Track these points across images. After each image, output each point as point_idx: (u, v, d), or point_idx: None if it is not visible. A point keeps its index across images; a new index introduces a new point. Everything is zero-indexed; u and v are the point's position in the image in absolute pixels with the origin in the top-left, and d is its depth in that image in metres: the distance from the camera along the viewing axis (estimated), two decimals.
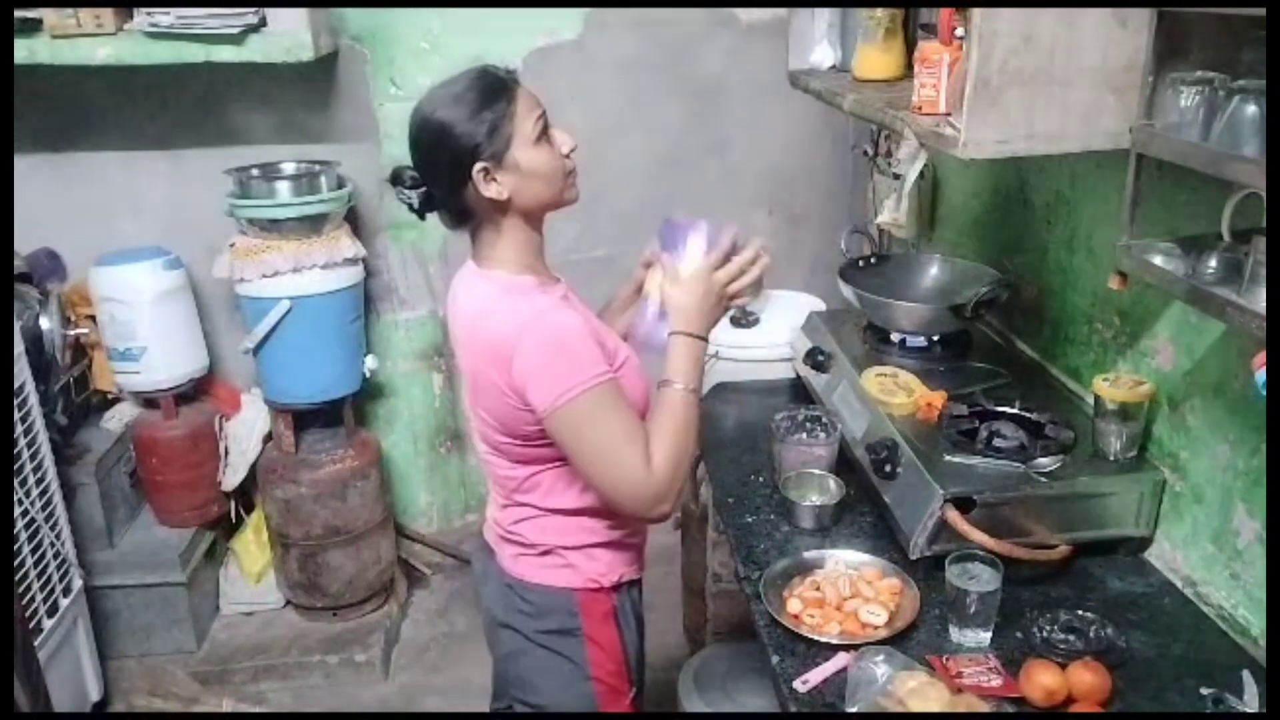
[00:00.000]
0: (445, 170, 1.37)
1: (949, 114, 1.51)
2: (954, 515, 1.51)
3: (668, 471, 1.36)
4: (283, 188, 2.63)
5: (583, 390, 1.32)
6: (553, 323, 1.35)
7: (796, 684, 1.37)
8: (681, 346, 1.43)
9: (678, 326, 1.44)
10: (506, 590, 1.55)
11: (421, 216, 1.47)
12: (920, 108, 1.59)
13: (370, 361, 2.89)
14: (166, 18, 2.42)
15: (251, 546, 2.96)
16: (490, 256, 1.45)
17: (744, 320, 2.45)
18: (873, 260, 2.32)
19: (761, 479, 1.90)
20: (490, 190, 1.37)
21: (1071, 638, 1.41)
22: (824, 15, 2.18)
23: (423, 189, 1.41)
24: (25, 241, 2.63)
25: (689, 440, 1.41)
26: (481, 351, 1.40)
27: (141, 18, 2.44)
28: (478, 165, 1.35)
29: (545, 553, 1.51)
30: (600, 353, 1.36)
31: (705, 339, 1.46)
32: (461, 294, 1.49)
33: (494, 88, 1.36)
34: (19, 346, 2.28)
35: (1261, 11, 1.03)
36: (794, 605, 1.50)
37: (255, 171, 2.70)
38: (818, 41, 2.20)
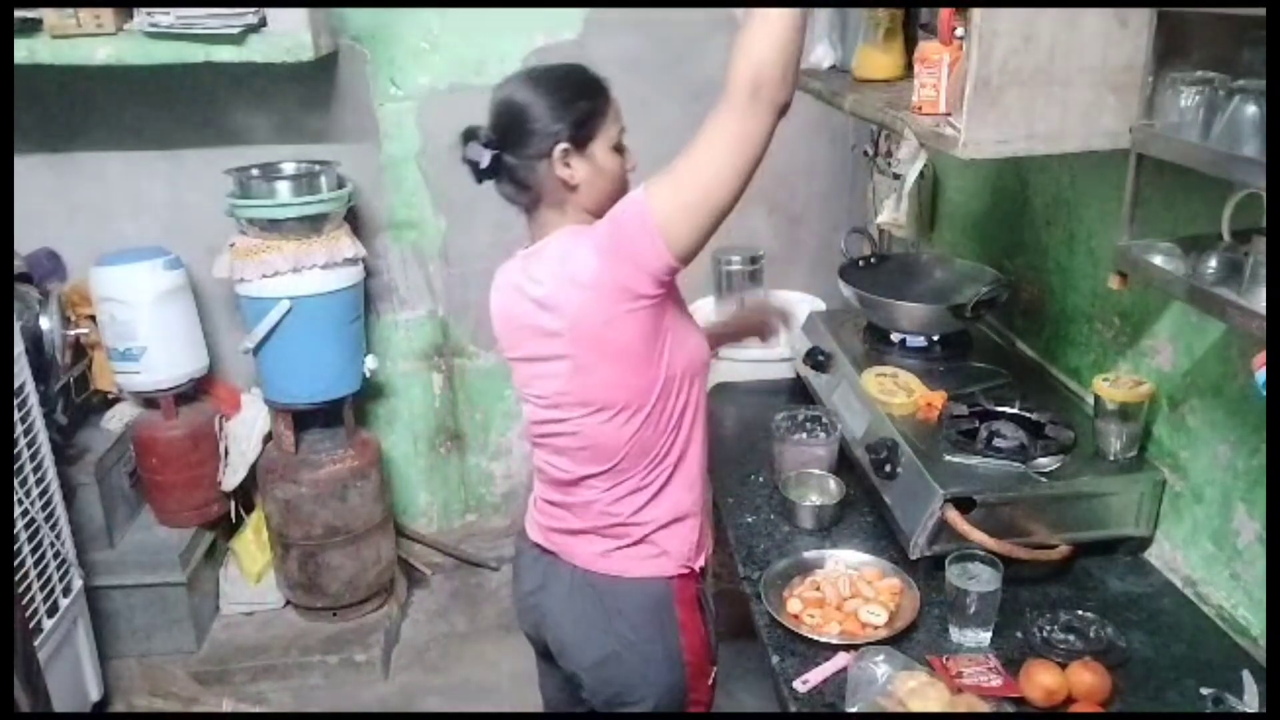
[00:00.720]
0: (530, 139, 1.40)
1: (949, 114, 1.51)
2: (954, 515, 1.51)
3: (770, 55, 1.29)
4: (283, 188, 2.62)
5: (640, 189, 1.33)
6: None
7: (796, 684, 1.37)
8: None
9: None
10: (591, 591, 1.51)
11: (479, 180, 1.47)
12: (920, 108, 1.59)
13: (370, 361, 2.89)
14: (166, 18, 2.42)
15: (251, 546, 2.96)
16: (555, 227, 1.46)
17: None
18: (873, 260, 2.32)
19: (761, 479, 1.90)
20: (564, 172, 1.41)
21: (1071, 638, 1.42)
22: (824, 15, 2.18)
23: (496, 152, 1.43)
24: (25, 241, 2.63)
25: (794, 37, 1.30)
26: (581, 285, 1.35)
27: (141, 18, 2.44)
28: (561, 145, 1.39)
29: (638, 542, 1.48)
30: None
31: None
32: (529, 277, 1.44)
33: (595, 85, 1.43)
34: (19, 346, 2.28)
35: (1261, 11, 1.03)
36: (794, 605, 1.50)
37: (255, 171, 2.70)
38: (818, 41, 2.19)
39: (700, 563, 1.55)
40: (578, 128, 1.40)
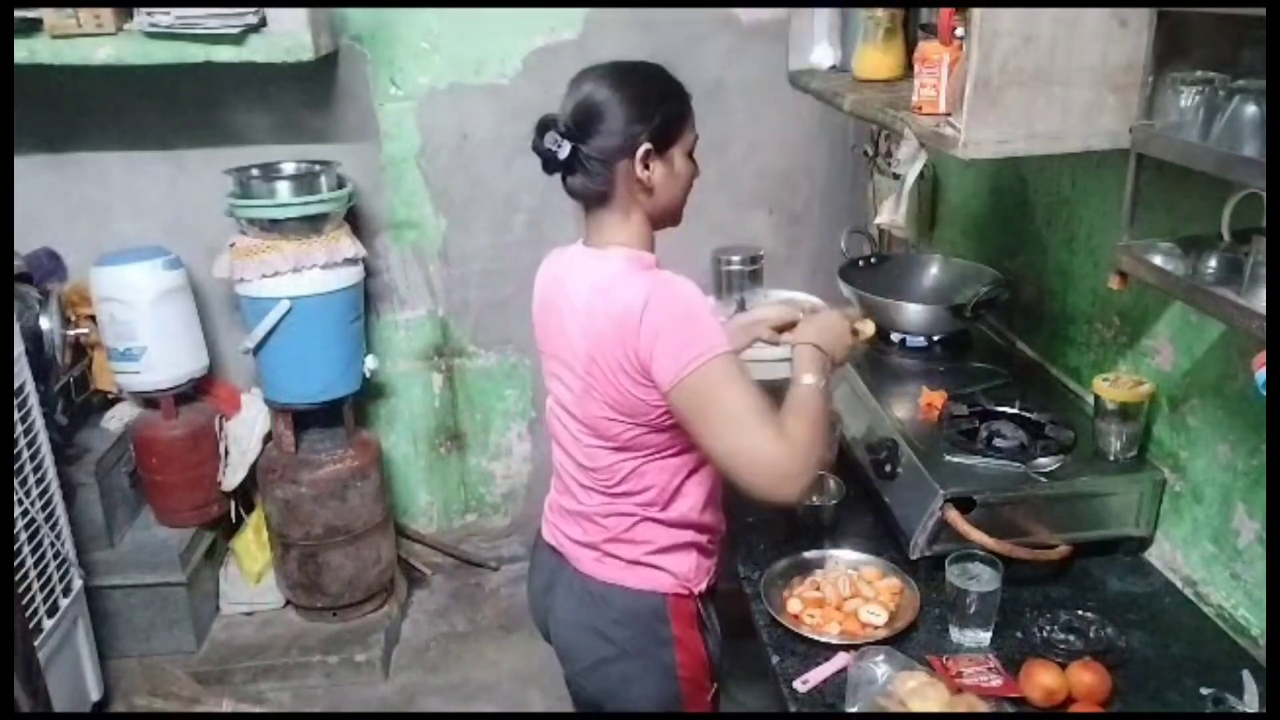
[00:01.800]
0: (613, 135, 1.37)
1: (949, 114, 1.52)
2: (954, 515, 1.51)
3: (801, 450, 1.30)
4: (283, 188, 2.62)
5: (712, 357, 1.29)
6: (681, 291, 1.34)
7: (796, 684, 1.37)
8: (808, 353, 1.42)
9: (806, 338, 1.45)
10: (589, 597, 1.50)
11: (550, 171, 1.43)
12: (920, 108, 1.59)
13: (370, 361, 2.89)
14: (166, 18, 2.42)
15: (251, 546, 2.96)
16: (612, 240, 1.44)
17: None
18: (873, 260, 2.32)
19: None
20: (642, 174, 1.39)
21: (1071, 638, 1.42)
22: (824, 15, 2.18)
23: (574, 144, 1.38)
24: (25, 241, 2.63)
25: (821, 430, 1.37)
26: (604, 328, 1.35)
27: (141, 18, 2.44)
28: (644, 145, 1.38)
29: (633, 562, 1.47)
30: (717, 325, 1.36)
31: (829, 358, 1.44)
32: (572, 277, 1.46)
33: (680, 89, 1.44)
34: (19, 346, 2.28)
35: (1261, 11, 1.03)
36: (794, 605, 1.51)
37: (255, 171, 2.70)
38: (818, 41, 2.20)
39: (702, 586, 1.51)
40: (662, 130, 1.39)
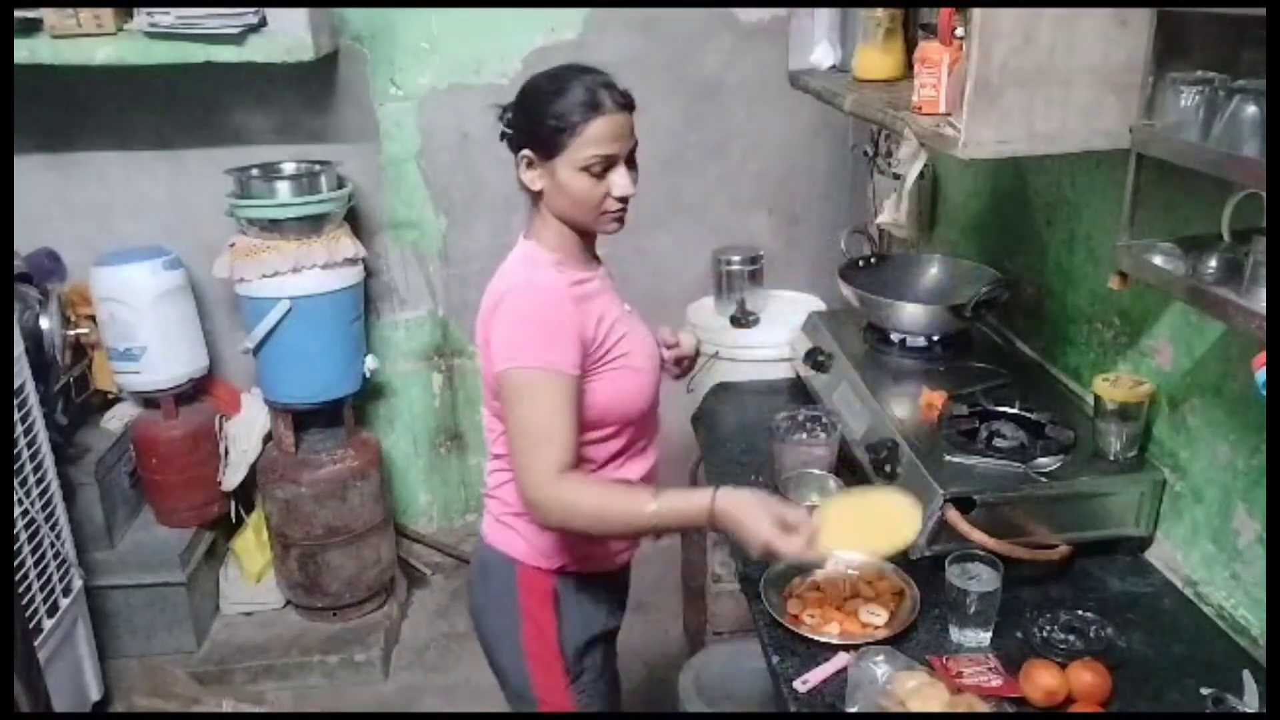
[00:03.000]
0: (513, 134, 1.48)
1: (949, 114, 1.51)
2: (954, 515, 1.51)
3: (566, 504, 1.38)
4: (283, 188, 2.63)
5: (530, 367, 1.38)
6: (539, 297, 1.42)
7: (796, 684, 1.37)
8: (693, 510, 1.38)
9: (735, 509, 1.34)
10: (477, 549, 1.65)
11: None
12: (920, 108, 1.59)
13: (370, 361, 2.89)
14: (166, 18, 2.42)
15: (251, 546, 2.96)
16: (529, 233, 1.53)
17: (744, 320, 2.45)
18: (873, 260, 2.32)
19: (761, 479, 1.90)
20: (525, 176, 1.47)
21: (1071, 638, 1.42)
22: (824, 15, 2.18)
23: (503, 127, 1.50)
24: (25, 241, 2.63)
25: (607, 526, 1.44)
26: (486, 306, 1.47)
27: (141, 18, 2.44)
28: (524, 150, 1.45)
29: (497, 518, 1.59)
30: (574, 354, 1.41)
31: (726, 529, 1.38)
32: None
33: (585, 101, 1.39)
34: (19, 346, 2.28)
35: (1261, 11, 1.03)
36: (794, 605, 1.50)
37: (255, 171, 2.70)
38: (818, 41, 2.20)
39: (560, 564, 1.55)
40: (546, 139, 1.41)
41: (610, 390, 1.48)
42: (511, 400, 1.40)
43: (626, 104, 1.44)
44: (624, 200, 1.47)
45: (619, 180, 1.44)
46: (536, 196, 1.48)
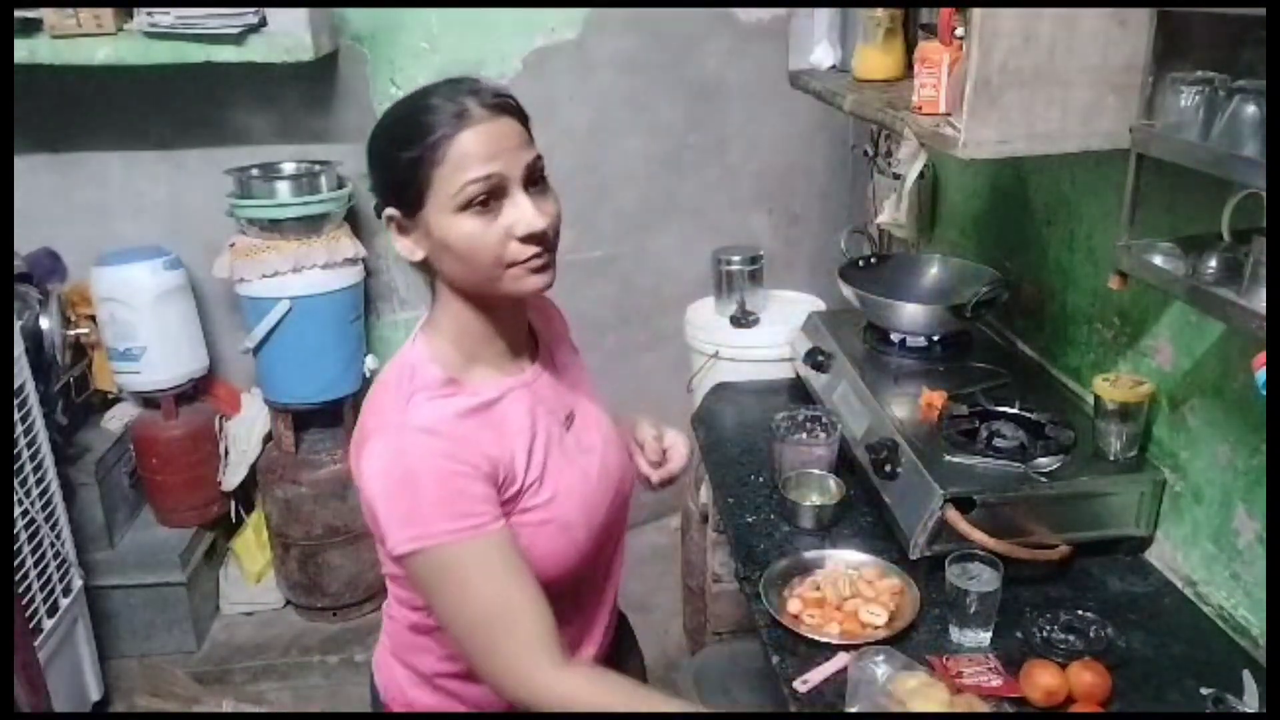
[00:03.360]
0: (375, 196, 1.13)
1: (949, 114, 1.51)
2: (954, 515, 1.51)
3: (573, 703, 1.04)
4: (283, 188, 2.63)
5: (443, 544, 1.03)
6: (412, 446, 1.04)
7: (796, 684, 1.37)
8: None
9: None
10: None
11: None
12: (920, 108, 1.59)
13: (370, 361, 2.89)
14: (166, 18, 2.42)
15: (251, 546, 2.96)
16: (429, 321, 1.17)
17: (744, 320, 2.45)
18: (873, 260, 2.32)
19: (761, 479, 1.90)
20: (399, 245, 1.11)
21: (1071, 638, 1.41)
22: (824, 15, 2.18)
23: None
24: (25, 241, 2.63)
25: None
26: (356, 435, 1.13)
27: (141, 18, 2.44)
28: (387, 210, 1.11)
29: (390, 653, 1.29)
30: (489, 499, 1.06)
31: None
32: None
33: (429, 120, 1.04)
34: (19, 346, 2.28)
35: (1261, 11, 1.03)
36: (794, 605, 1.50)
37: (255, 171, 2.70)
38: (818, 41, 2.20)
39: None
40: (401, 187, 1.07)
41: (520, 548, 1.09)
42: (435, 588, 1.06)
43: (504, 106, 1.08)
44: (537, 240, 1.06)
45: (518, 212, 1.05)
46: (426, 272, 1.14)
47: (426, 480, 1.04)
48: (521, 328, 1.21)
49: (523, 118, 1.11)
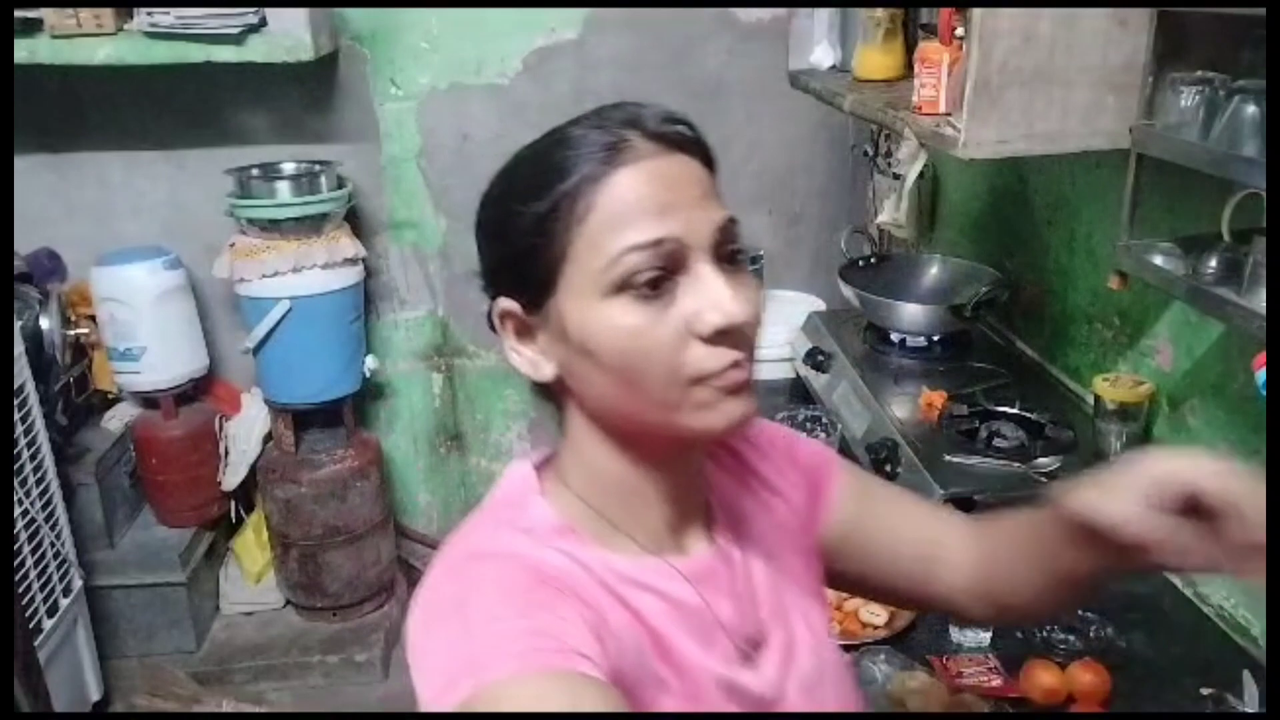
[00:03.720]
0: (484, 281, 0.78)
1: (949, 114, 1.51)
2: None
3: None
4: (283, 188, 2.62)
5: (506, 679, 0.61)
6: (494, 570, 0.69)
7: None
8: None
9: None
10: None
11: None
12: (920, 108, 1.59)
13: (371, 361, 2.89)
14: (166, 18, 2.42)
15: (251, 546, 2.96)
16: (551, 464, 0.80)
17: None
18: (873, 260, 2.32)
19: None
20: (517, 357, 0.75)
21: (1071, 638, 1.41)
22: (824, 15, 2.18)
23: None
24: (25, 241, 2.63)
25: None
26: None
27: (141, 18, 2.44)
28: (500, 303, 0.75)
29: None
30: (585, 640, 0.65)
31: None
32: None
33: (567, 156, 0.70)
34: (19, 346, 2.28)
35: (1261, 11, 1.03)
36: None
37: (255, 171, 2.70)
38: (818, 41, 2.20)
39: None
40: (518, 267, 0.72)
41: None
42: None
43: (679, 139, 0.72)
44: (733, 340, 0.69)
45: (705, 295, 0.69)
46: (555, 394, 0.77)
47: (491, 593, 0.67)
48: (696, 487, 0.81)
49: (707, 157, 0.74)
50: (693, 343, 0.69)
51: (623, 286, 0.68)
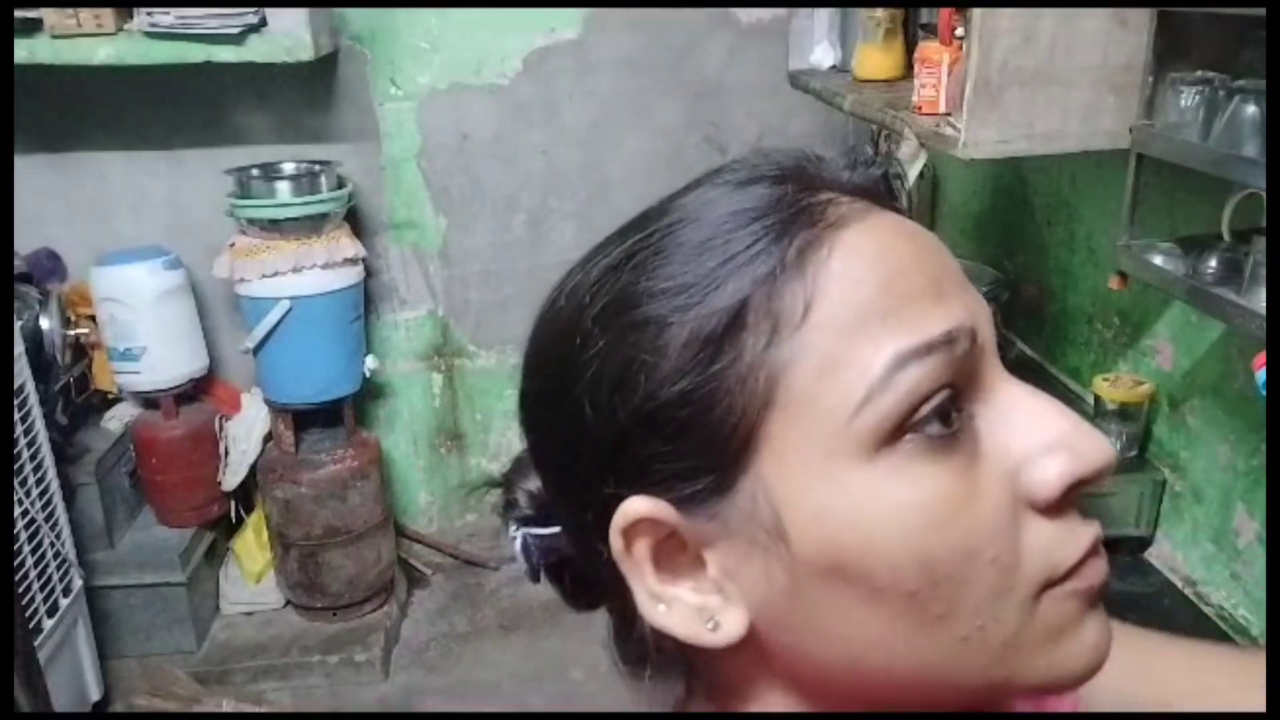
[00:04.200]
0: (563, 487, 0.52)
1: (949, 114, 1.51)
2: None
3: None
4: (283, 188, 2.62)
5: None
6: None
7: None
8: None
9: None
10: None
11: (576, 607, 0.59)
12: (920, 108, 1.59)
13: (371, 361, 2.89)
14: (166, 18, 2.42)
15: (251, 546, 2.96)
16: None
17: None
18: None
19: None
20: (666, 610, 0.42)
21: None
22: (824, 15, 2.18)
23: (534, 523, 0.57)
24: (25, 241, 2.63)
25: None
26: None
27: (141, 18, 2.44)
28: (630, 507, 0.42)
29: None
30: None
31: None
32: None
33: (735, 238, 0.42)
34: (19, 346, 2.28)
35: (1261, 11, 1.03)
36: None
37: (255, 171, 2.70)
38: (818, 41, 2.20)
39: None
40: (657, 432, 0.41)
41: None
42: None
43: (889, 192, 0.51)
44: (1081, 506, 0.41)
45: (1038, 418, 0.41)
46: (697, 655, 0.45)
47: None
48: None
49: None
50: (1029, 518, 0.40)
51: (898, 431, 0.39)
